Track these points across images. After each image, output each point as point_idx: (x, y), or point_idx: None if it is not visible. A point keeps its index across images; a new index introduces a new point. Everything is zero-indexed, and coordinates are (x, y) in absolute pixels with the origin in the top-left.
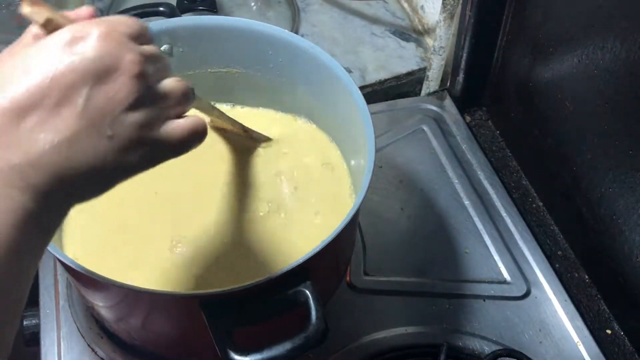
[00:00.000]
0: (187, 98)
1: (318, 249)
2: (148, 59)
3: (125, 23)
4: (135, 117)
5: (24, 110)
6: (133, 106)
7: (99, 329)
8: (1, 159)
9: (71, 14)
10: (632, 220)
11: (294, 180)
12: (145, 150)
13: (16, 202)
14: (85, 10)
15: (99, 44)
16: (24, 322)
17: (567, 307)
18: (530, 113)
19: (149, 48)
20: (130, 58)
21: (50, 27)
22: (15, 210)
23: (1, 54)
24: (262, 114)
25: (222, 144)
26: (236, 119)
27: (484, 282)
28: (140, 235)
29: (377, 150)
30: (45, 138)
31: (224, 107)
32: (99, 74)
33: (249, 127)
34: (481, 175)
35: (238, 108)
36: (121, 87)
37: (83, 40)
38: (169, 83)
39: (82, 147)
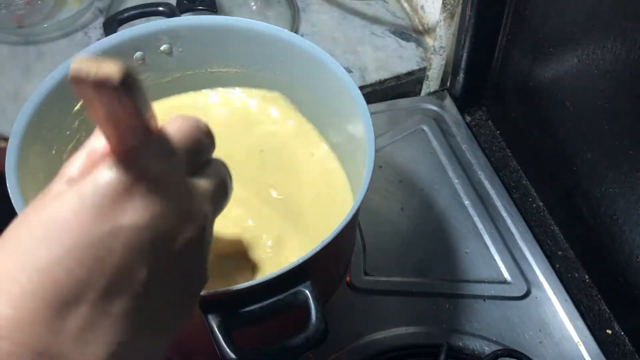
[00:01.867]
0: (226, 192)
1: (318, 249)
2: (214, 200)
3: (183, 142)
4: (201, 252)
5: (63, 304)
6: (200, 247)
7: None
8: None
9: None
10: (632, 220)
11: (294, 180)
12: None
13: None
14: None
15: (151, 201)
16: None
17: (567, 307)
18: (530, 113)
19: (212, 177)
20: (196, 216)
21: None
22: None
23: (28, 209)
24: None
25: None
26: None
27: (484, 282)
28: None
29: (377, 150)
30: (97, 351)
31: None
32: (156, 243)
33: None
34: (481, 175)
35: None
36: (188, 248)
37: (130, 195)
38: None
39: (149, 341)
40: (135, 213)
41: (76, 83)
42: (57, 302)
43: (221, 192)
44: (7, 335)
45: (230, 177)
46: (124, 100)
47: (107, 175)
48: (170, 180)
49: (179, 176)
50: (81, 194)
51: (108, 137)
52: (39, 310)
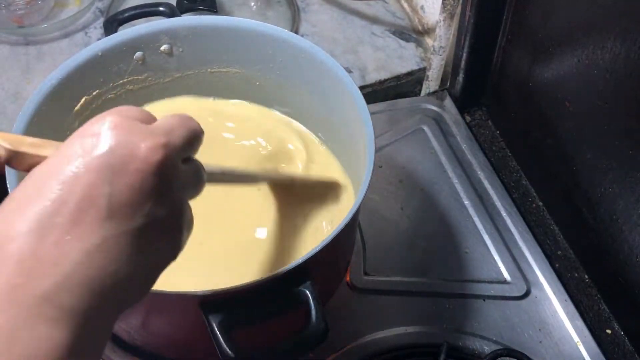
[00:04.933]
0: (201, 180)
1: (318, 249)
2: (165, 144)
3: (133, 109)
4: (164, 206)
5: (43, 227)
6: (159, 195)
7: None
8: (24, 292)
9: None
10: (632, 220)
11: (293, 180)
12: (175, 236)
13: (50, 341)
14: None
15: (110, 135)
16: None
17: (567, 307)
18: (530, 113)
19: (158, 123)
20: (146, 145)
21: (17, 163)
22: (50, 352)
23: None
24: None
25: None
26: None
27: (484, 282)
28: None
29: (377, 150)
30: (72, 251)
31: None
32: (115, 168)
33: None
34: (481, 175)
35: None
36: (143, 177)
37: (93, 137)
38: (187, 168)
39: (114, 251)
40: (94, 147)
41: None
42: (38, 228)
43: (178, 131)
44: None
45: (203, 172)
46: None
47: (75, 134)
48: (122, 123)
49: (132, 123)
50: (55, 155)
51: None
52: (25, 237)
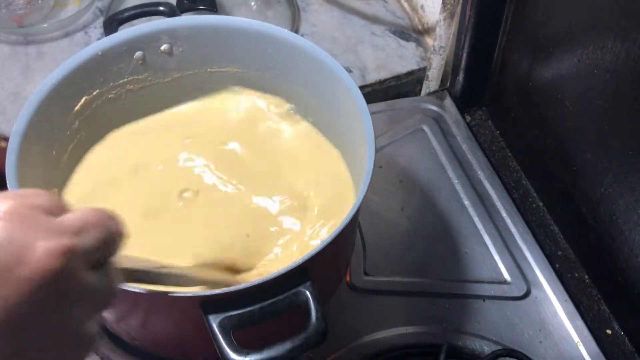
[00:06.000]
0: (112, 292)
1: (318, 249)
2: (68, 247)
3: (41, 194)
4: (51, 325)
5: None
6: (48, 311)
7: (99, 329)
8: None
9: None
10: (632, 220)
11: (294, 179)
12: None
13: None
14: None
15: (3, 226)
16: None
17: (567, 307)
18: (530, 113)
19: (65, 218)
20: (43, 246)
21: None
22: None
23: None
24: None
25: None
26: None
27: (484, 282)
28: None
29: (377, 150)
30: None
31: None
32: (7, 267)
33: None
34: (481, 175)
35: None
36: (31, 289)
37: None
38: (95, 277)
39: None
40: None
41: None
42: None
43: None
44: None
45: (116, 282)
46: None
47: None
48: (21, 212)
49: (33, 211)
50: None
51: None
52: None
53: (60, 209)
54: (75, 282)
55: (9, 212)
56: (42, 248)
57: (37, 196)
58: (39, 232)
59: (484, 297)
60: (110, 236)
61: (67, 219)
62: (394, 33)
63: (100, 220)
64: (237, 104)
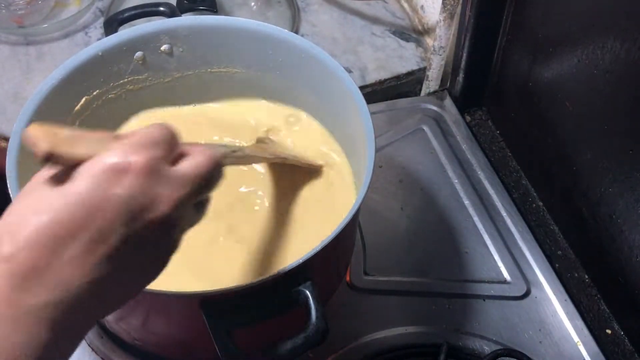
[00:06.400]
0: (202, 215)
1: (318, 249)
2: (182, 198)
3: (158, 144)
4: (162, 244)
5: (62, 238)
6: (162, 237)
7: (99, 329)
8: (34, 294)
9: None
10: (632, 220)
11: (294, 179)
12: (164, 263)
13: (36, 339)
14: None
15: (134, 180)
16: None
17: (567, 307)
18: (530, 113)
19: (184, 170)
20: (166, 197)
21: (55, 161)
22: (33, 346)
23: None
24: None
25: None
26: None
27: (484, 282)
28: None
29: (377, 150)
30: (81, 277)
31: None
32: (133, 213)
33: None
34: (481, 175)
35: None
36: (155, 227)
37: (123, 174)
38: (195, 209)
39: (116, 288)
40: (123, 188)
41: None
42: (59, 236)
43: (198, 181)
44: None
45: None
46: None
47: (107, 157)
48: (151, 168)
49: (157, 168)
50: (88, 166)
51: None
52: (45, 239)
53: (178, 155)
54: (184, 217)
55: (138, 167)
56: (165, 198)
57: (159, 148)
58: (162, 187)
59: (484, 297)
60: (214, 182)
61: (184, 169)
62: (394, 33)
63: (209, 169)
64: (238, 105)
